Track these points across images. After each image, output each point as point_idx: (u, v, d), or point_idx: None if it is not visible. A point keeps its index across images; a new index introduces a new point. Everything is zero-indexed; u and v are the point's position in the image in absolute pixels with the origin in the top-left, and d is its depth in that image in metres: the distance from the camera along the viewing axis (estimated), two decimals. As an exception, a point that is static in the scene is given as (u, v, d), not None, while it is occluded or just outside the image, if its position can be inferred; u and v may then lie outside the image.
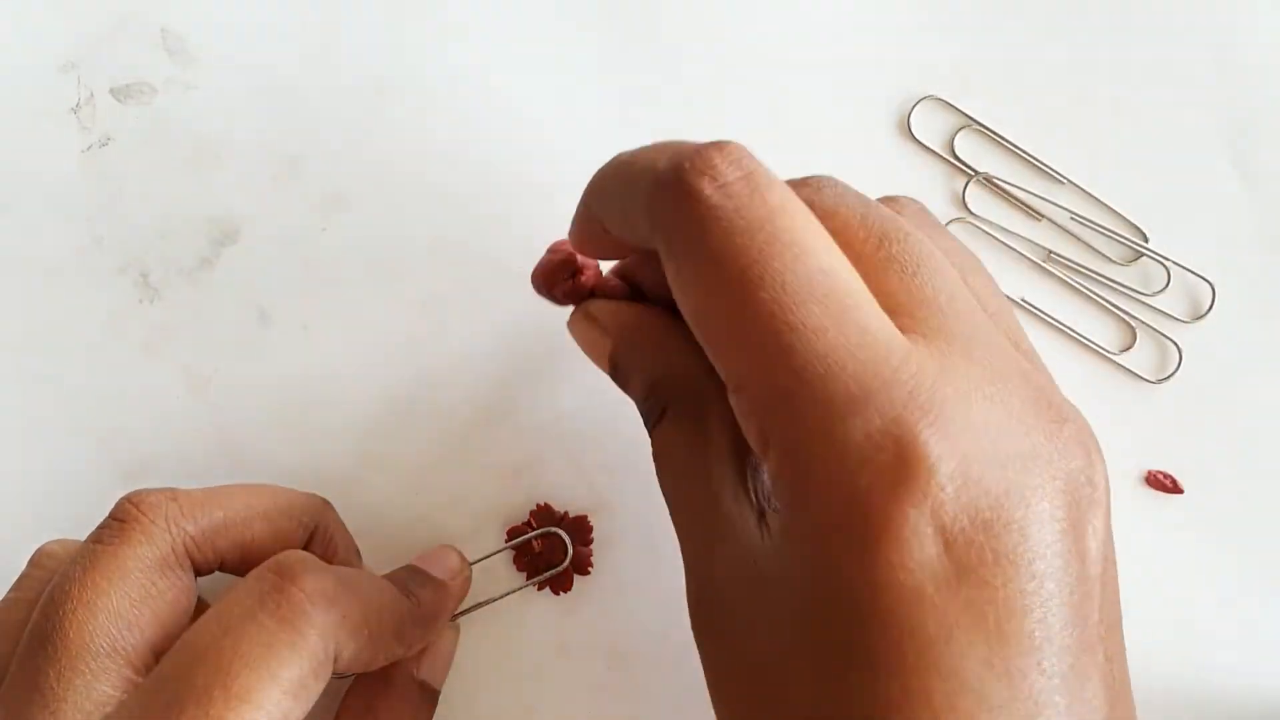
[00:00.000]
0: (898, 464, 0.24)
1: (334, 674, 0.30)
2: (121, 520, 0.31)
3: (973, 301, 0.28)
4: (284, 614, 0.28)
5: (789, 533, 0.26)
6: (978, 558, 0.24)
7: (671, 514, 0.30)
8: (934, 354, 0.26)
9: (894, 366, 0.25)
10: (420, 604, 0.33)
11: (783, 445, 0.25)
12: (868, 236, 0.28)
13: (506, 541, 0.38)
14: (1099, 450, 0.27)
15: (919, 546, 0.24)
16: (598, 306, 0.33)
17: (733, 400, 0.27)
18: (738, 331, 0.26)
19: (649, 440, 0.31)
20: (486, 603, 0.38)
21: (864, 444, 0.24)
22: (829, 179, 0.30)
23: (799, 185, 0.29)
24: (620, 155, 0.30)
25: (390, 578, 0.34)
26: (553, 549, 0.38)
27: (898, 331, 0.26)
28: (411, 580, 0.34)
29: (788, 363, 0.25)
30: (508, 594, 0.38)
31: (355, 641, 0.30)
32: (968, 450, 0.25)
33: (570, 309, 0.35)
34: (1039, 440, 0.26)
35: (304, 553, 0.31)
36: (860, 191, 0.30)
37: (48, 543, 0.33)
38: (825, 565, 0.25)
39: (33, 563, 0.33)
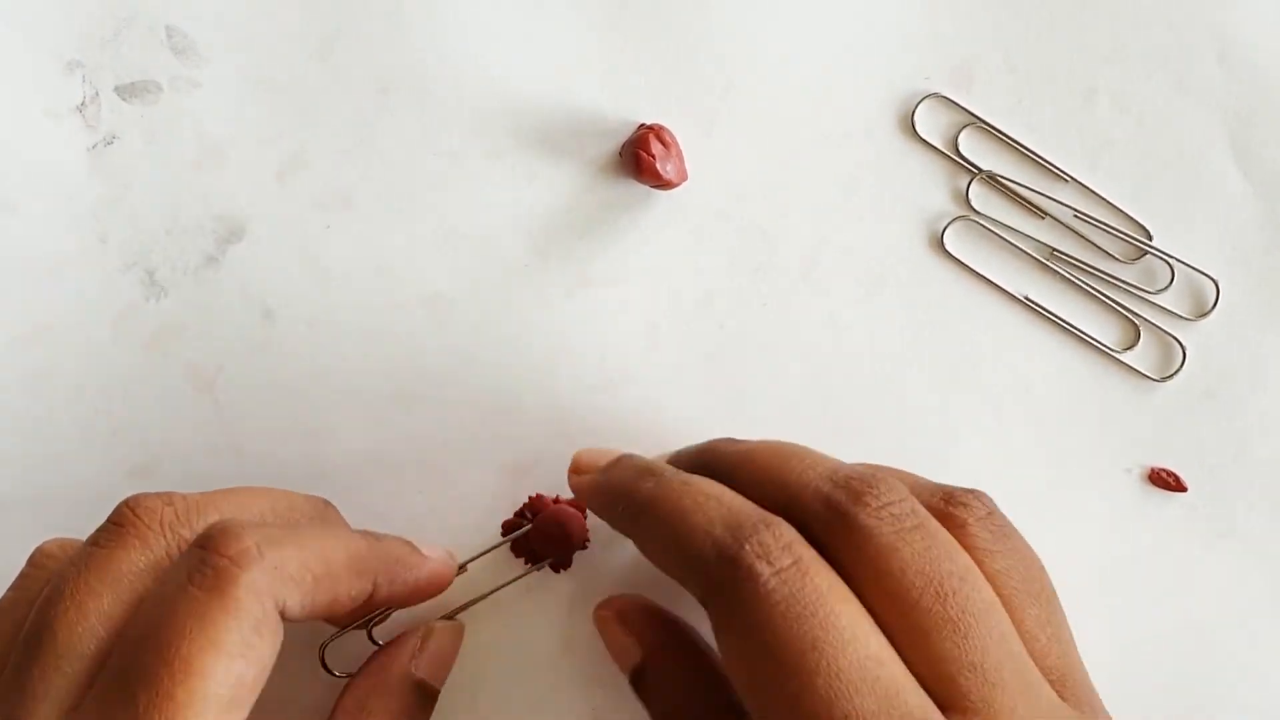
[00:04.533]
0: None
1: (291, 620, 0.30)
2: (119, 524, 0.31)
3: (1022, 660, 0.30)
4: (210, 582, 0.29)
5: None
6: None
7: None
8: None
9: None
10: (381, 540, 0.34)
11: None
12: (925, 588, 0.29)
13: (503, 536, 0.38)
14: None
15: None
16: (631, 608, 0.35)
17: None
18: (791, 714, 0.28)
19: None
20: (489, 594, 0.38)
21: None
22: (890, 493, 0.30)
23: (858, 505, 0.30)
24: (663, 482, 0.32)
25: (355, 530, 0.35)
26: (548, 536, 0.38)
27: (939, 714, 0.28)
28: (374, 531, 0.35)
29: None
30: (508, 583, 0.38)
31: (299, 588, 0.30)
32: None
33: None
34: None
35: (230, 519, 0.31)
36: (917, 504, 0.31)
37: (46, 542, 0.33)
38: None
39: (31, 562, 0.33)
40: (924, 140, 0.40)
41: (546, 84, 0.40)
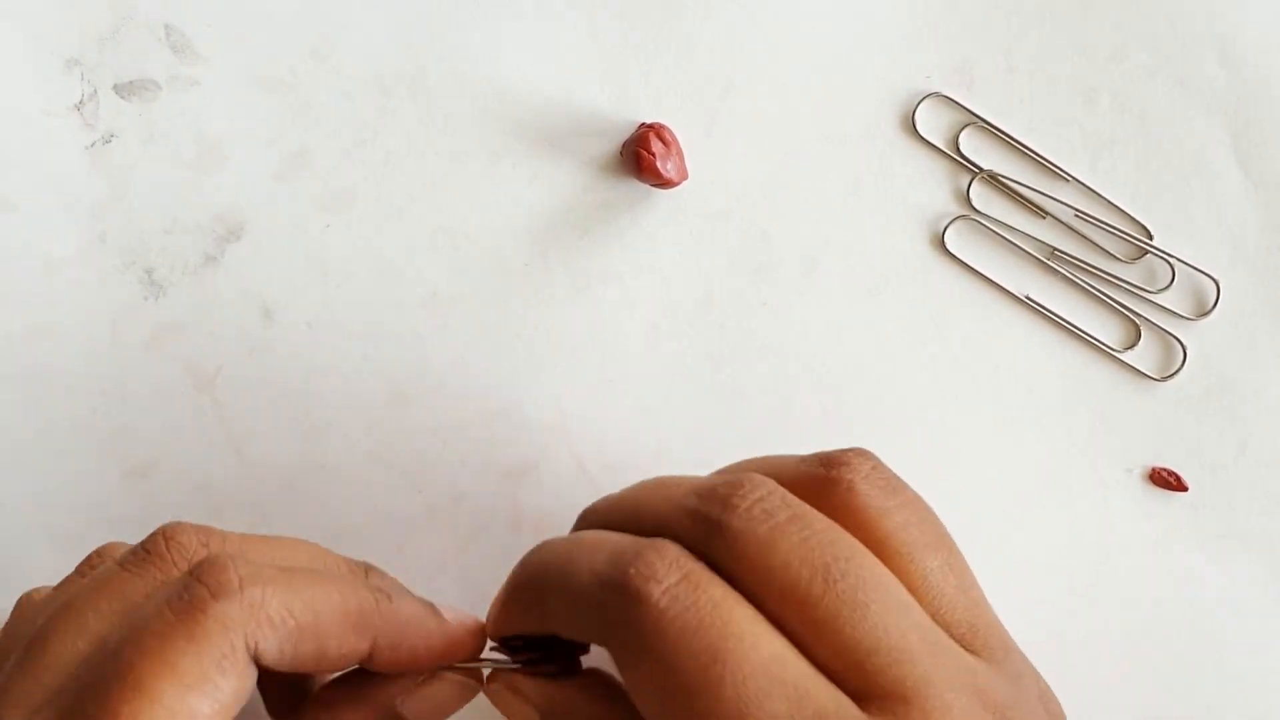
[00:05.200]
0: None
1: (270, 666, 0.29)
2: (148, 551, 0.31)
3: (926, 626, 0.29)
4: (183, 607, 0.28)
5: None
6: None
7: None
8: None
9: None
10: (394, 600, 0.32)
11: None
12: (812, 577, 0.28)
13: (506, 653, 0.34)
14: None
15: None
16: (524, 683, 0.33)
17: None
18: None
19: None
20: (502, 664, 0.34)
21: None
22: (755, 490, 0.30)
23: (726, 511, 0.29)
24: (549, 549, 0.31)
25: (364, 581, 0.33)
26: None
27: (852, 704, 0.27)
28: (383, 580, 0.33)
29: None
30: (513, 667, 0.34)
31: (276, 631, 0.29)
32: None
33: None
34: None
35: (234, 547, 0.31)
36: (786, 494, 0.30)
37: (107, 545, 0.33)
38: None
39: (85, 560, 0.33)
40: (925, 140, 0.40)
41: (547, 83, 0.40)
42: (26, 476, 0.39)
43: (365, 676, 0.32)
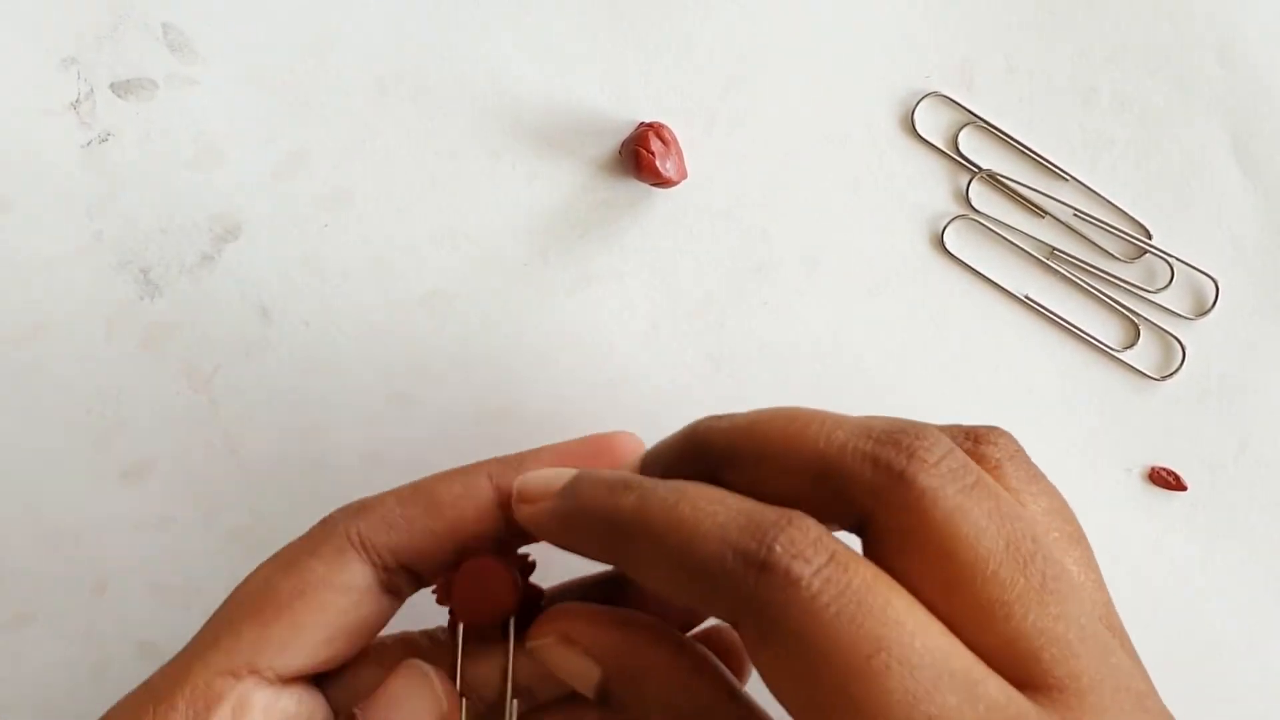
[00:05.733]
0: None
1: (397, 551, 0.30)
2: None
3: (1093, 622, 0.27)
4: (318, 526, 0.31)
5: None
6: None
7: None
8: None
9: None
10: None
11: None
12: (1003, 556, 0.26)
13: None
14: None
15: None
16: (576, 626, 0.30)
17: None
18: None
19: None
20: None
21: None
22: (941, 445, 0.26)
23: (915, 462, 0.26)
24: (647, 492, 0.28)
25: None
26: (466, 597, 0.31)
27: (1022, 697, 0.25)
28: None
29: None
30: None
31: (374, 515, 0.31)
32: None
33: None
34: None
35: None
36: (970, 462, 0.27)
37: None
38: None
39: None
40: (924, 139, 0.40)
41: (546, 82, 0.40)
42: (21, 476, 0.39)
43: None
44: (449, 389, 0.39)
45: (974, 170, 0.40)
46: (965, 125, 0.40)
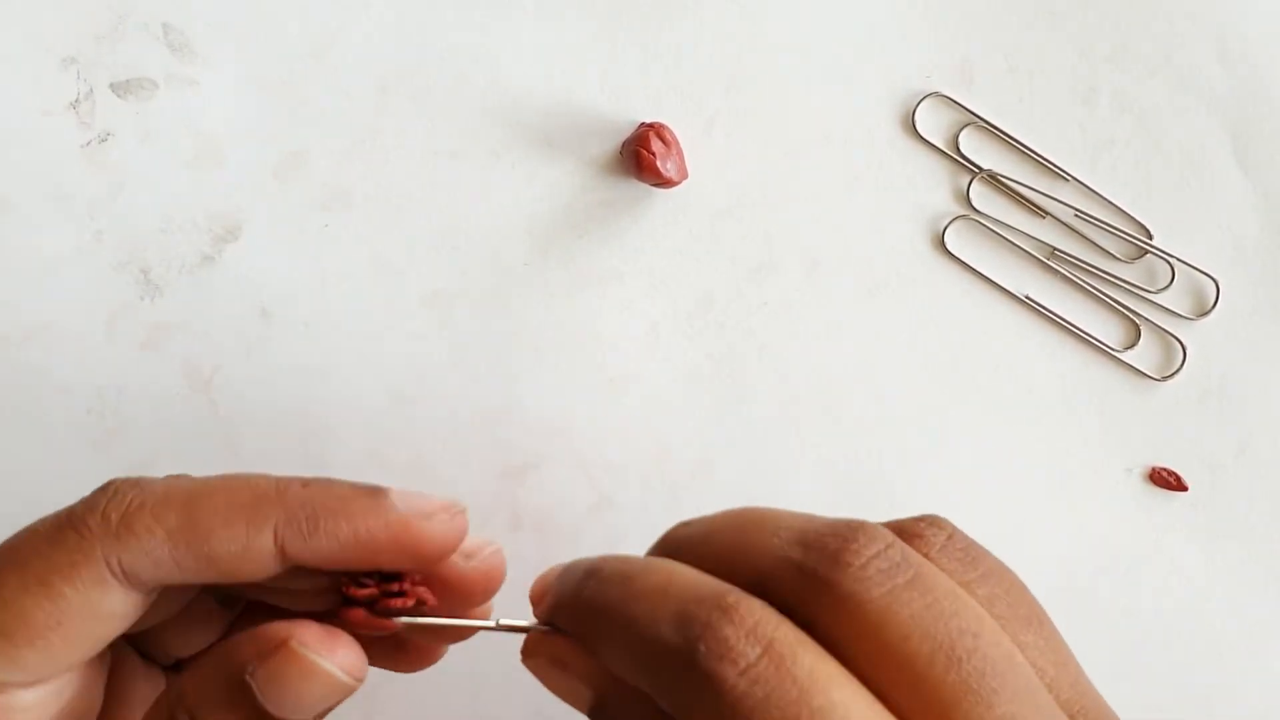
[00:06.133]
0: None
1: (157, 581, 0.27)
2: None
3: (1050, 710, 0.26)
4: (56, 518, 0.28)
5: None
6: None
7: None
8: None
9: None
10: (304, 484, 0.28)
11: None
12: (934, 654, 0.25)
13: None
14: None
15: None
16: (564, 647, 0.28)
17: None
18: None
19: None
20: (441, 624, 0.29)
21: None
22: (873, 544, 0.26)
23: (838, 568, 0.25)
24: (615, 571, 0.27)
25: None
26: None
27: None
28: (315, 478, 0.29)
29: None
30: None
31: (143, 544, 0.27)
32: None
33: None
34: None
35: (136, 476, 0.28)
36: (908, 549, 0.26)
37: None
38: None
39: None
40: (925, 139, 0.40)
41: (547, 82, 0.40)
42: (21, 477, 0.39)
43: (229, 638, 0.28)
44: (449, 389, 0.39)
45: (974, 170, 0.40)
46: (966, 125, 0.40)
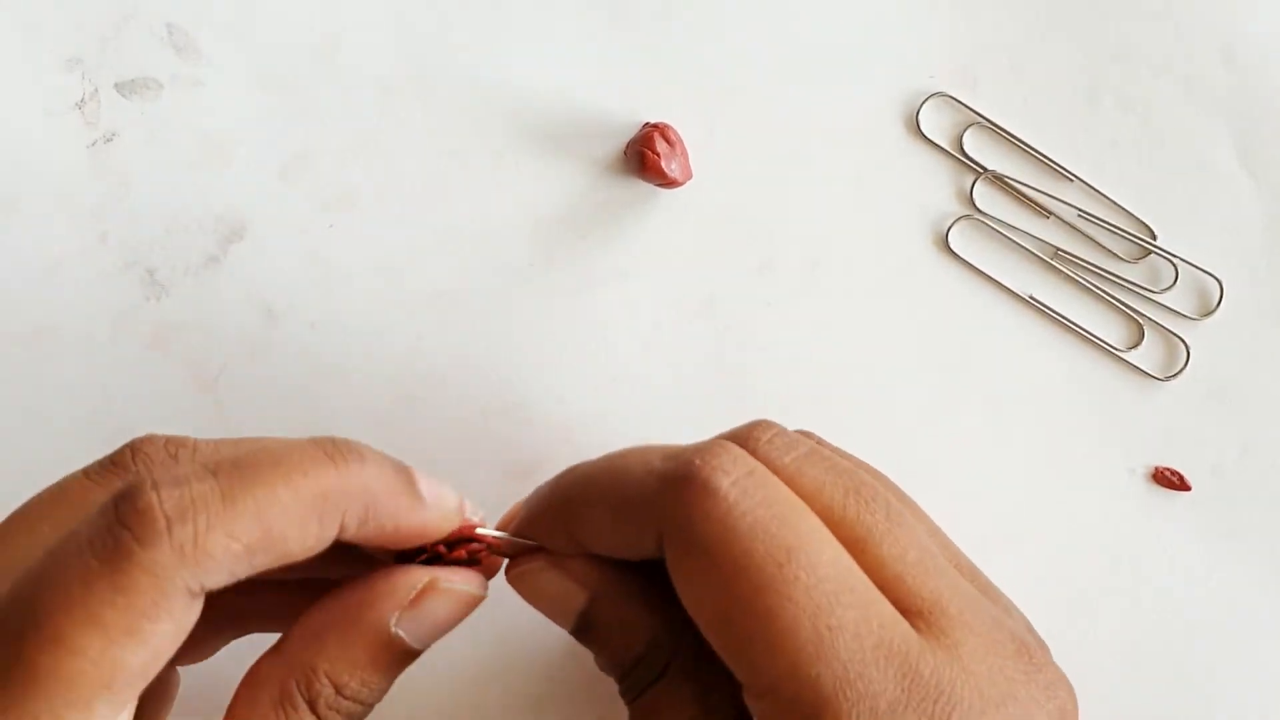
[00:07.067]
0: None
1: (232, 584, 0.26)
2: (114, 464, 0.30)
3: (936, 550, 0.30)
4: (107, 553, 0.25)
5: None
6: None
7: None
8: (942, 645, 0.28)
9: (916, 666, 0.27)
10: (361, 467, 0.28)
11: None
12: (845, 500, 0.29)
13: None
14: (1062, 674, 0.30)
15: None
16: (573, 561, 0.31)
17: (755, 704, 0.28)
18: (776, 633, 0.26)
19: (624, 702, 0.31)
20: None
21: None
22: (771, 428, 0.30)
23: (750, 442, 0.29)
24: (588, 466, 0.30)
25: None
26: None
27: (905, 623, 0.28)
28: (349, 446, 0.29)
29: (831, 667, 0.26)
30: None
31: (220, 564, 0.26)
32: None
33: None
34: (1032, 693, 0.28)
35: (155, 475, 0.26)
36: (803, 438, 0.30)
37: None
38: None
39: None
40: (929, 139, 0.40)
41: (551, 82, 0.40)
42: (26, 477, 0.39)
43: (352, 598, 0.29)
44: (454, 389, 0.39)
45: (979, 171, 0.40)
46: (970, 125, 0.40)
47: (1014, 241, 0.40)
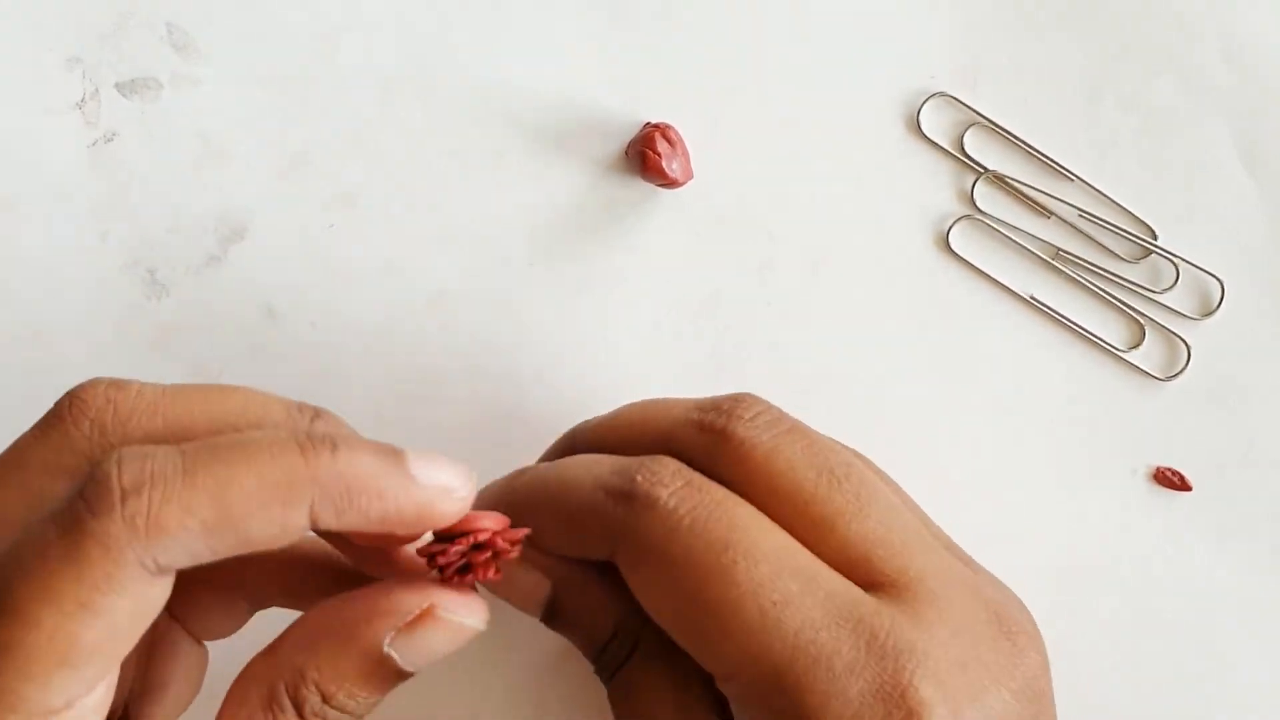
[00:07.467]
0: (904, 717, 0.28)
1: (193, 566, 0.26)
2: (55, 415, 0.29)
3: (916, 525, 0.31)
4: (65, 526, 0.25)
5: None
6: None
7: None
8: (904, 610, 0.29)
9: (871, 628, 0.28)
10: (333, 448, 0.26)
11: (793, 716, 0.28)
12: (818, 479, 0.31)
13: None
14: (1042, 646, 0.31)
15: None
16: (530, 554, 0.32)
17: (727, 690, 0.30)
18: (724, 618, 0.29)
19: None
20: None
21: (869, 703, 0.28)
22: (757, 404, 0.32)
23: (733, 420, 0.31)
24: (539, 471, 0.33)
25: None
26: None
27: (860, 590, 0.29)
28: (330, 426, 0.29)
29: (780, 638, 0.28)
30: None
31: (177, 541, 0.25)
32: (950, 692, 0.28)
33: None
34: (999, 658, 0.30)
35: (148, 404, 0.27)
36: (787, 415, 0.32)
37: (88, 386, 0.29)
38: None
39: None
40: (929, 139, 0.40)
41: (551, 82, 0.40)
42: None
43: (351, 609, 0.28)
44: (455, 390, 0.39)
45: (979, 171, 0.40)
46: (971, 125, 0.40)
47: (1015, 241, 0.40)
